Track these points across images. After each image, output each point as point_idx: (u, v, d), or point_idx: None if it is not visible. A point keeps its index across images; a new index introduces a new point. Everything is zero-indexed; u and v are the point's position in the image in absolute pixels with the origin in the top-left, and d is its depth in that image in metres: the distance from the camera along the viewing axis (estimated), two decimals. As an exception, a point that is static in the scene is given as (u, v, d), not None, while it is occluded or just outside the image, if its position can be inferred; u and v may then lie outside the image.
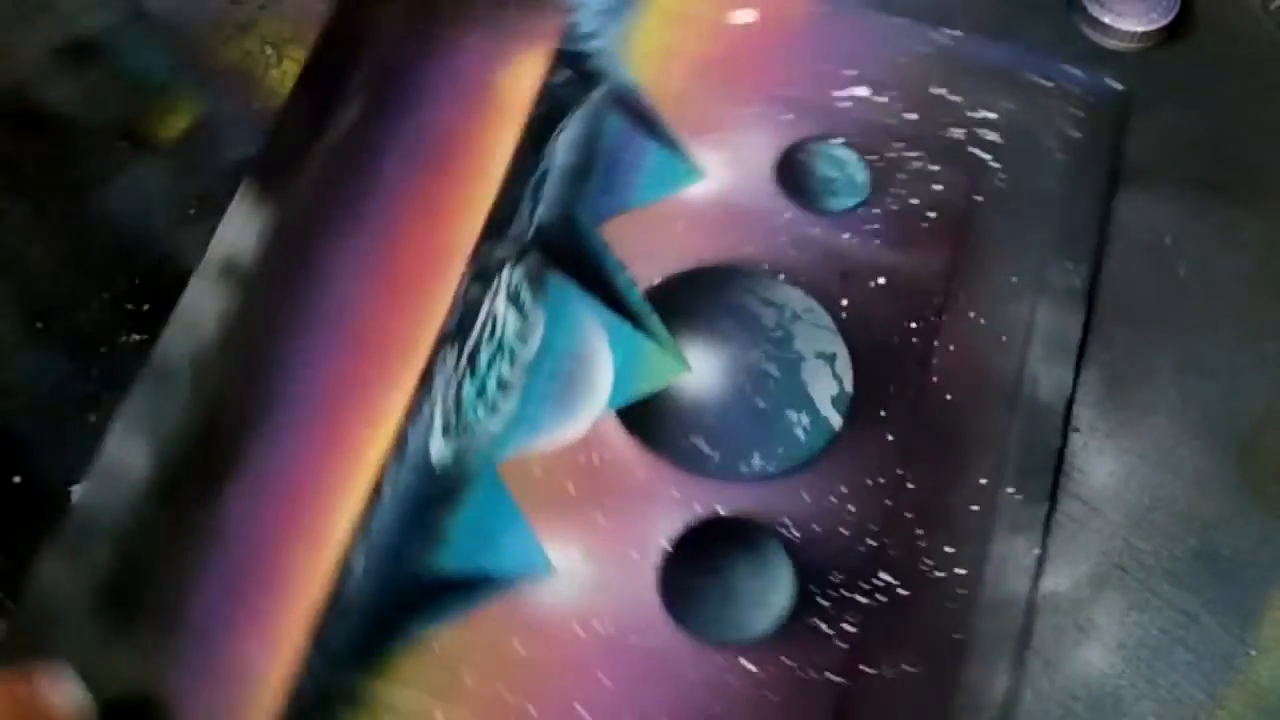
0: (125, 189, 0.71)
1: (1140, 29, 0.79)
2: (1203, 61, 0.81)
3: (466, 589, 0.65)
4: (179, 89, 0.76)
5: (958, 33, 0.79)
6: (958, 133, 0.77)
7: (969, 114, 0.77)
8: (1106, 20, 0.80)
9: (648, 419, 0.69)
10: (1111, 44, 0.80)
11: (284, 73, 0.77)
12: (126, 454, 0.67)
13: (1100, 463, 0.69)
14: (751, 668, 0.63)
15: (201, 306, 0.71)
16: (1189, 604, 0.65)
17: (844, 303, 0.72)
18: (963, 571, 0.66)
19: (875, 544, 0.66)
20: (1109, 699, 0.63)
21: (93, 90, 0.75)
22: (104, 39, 0.77)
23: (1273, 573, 0.66)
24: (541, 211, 0.74)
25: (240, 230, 0.72)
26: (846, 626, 0.64)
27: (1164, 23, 0.80)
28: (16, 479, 0.62)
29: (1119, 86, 0.78)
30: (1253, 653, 0.64)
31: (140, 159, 0.73)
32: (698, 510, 0.67)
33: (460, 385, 0.69)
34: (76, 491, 0.66)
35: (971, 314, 0.72)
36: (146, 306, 0.67)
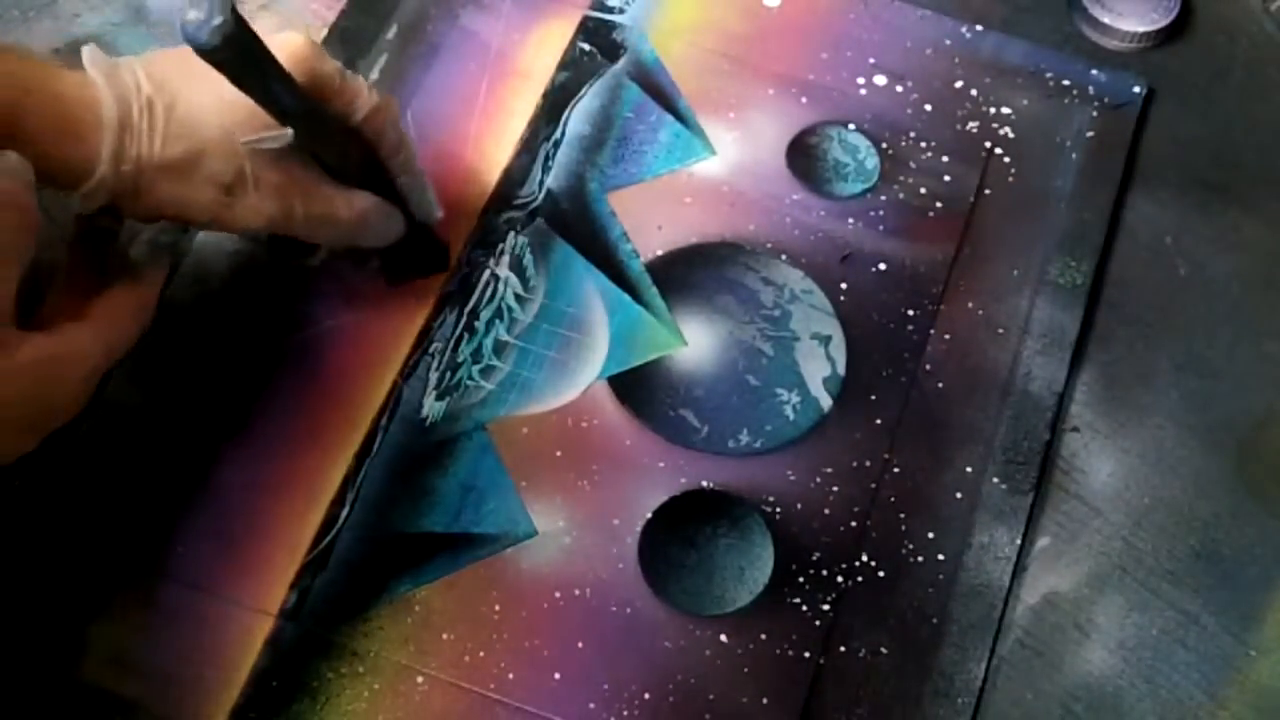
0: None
1: (1140, 29, 0.76)
2: (1203, 62, 0.77)
3: (450, 548, 0.62)
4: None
5: (979, 28, 0.76)
6: (972, 126, 0.73)
7: (986, 108, 0.74)
8: (1107, 20, 0.76)
9: (639, 389, 0.66)
10: (1112, 44, 0.77)
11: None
12: (128, 397, 0.67)
13: (1100, 463, 0.66)
14: (727, 640, 0.61)
15: (210, 256, 0.70)
16: (1189, 604, 0.62)
17: (843, 286, 0.69)
18: (943, 557, 0.62)
19: (857, 525, 0.63)
20: (1109, 699, 0.60)
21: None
22: (104, 39, 0.75)
23: (1273, 573, 0.63)
24: (551, 179, 0.72)
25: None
26: (824, 605, 0.61)
27: (1164, 23, 0.76)
28: (16, 481, 0.62)
29: (1137, 89, 0.74)
30: (1253, 653, 0.61)
31: None
32: (682, 482, 0.64)
33: (457, 345, 0.67)
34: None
35: (970, 305, 0.69)
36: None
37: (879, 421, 0.66)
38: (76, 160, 0.51)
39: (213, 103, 0.53)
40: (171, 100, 0.53)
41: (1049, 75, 0.75)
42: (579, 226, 0.71)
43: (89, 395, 0.53)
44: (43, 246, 0.51)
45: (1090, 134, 0.74)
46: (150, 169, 0.53)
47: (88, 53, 0.52)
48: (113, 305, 0.54)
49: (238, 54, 0.48)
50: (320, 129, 0.56)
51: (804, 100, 0.74)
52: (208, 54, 0.47)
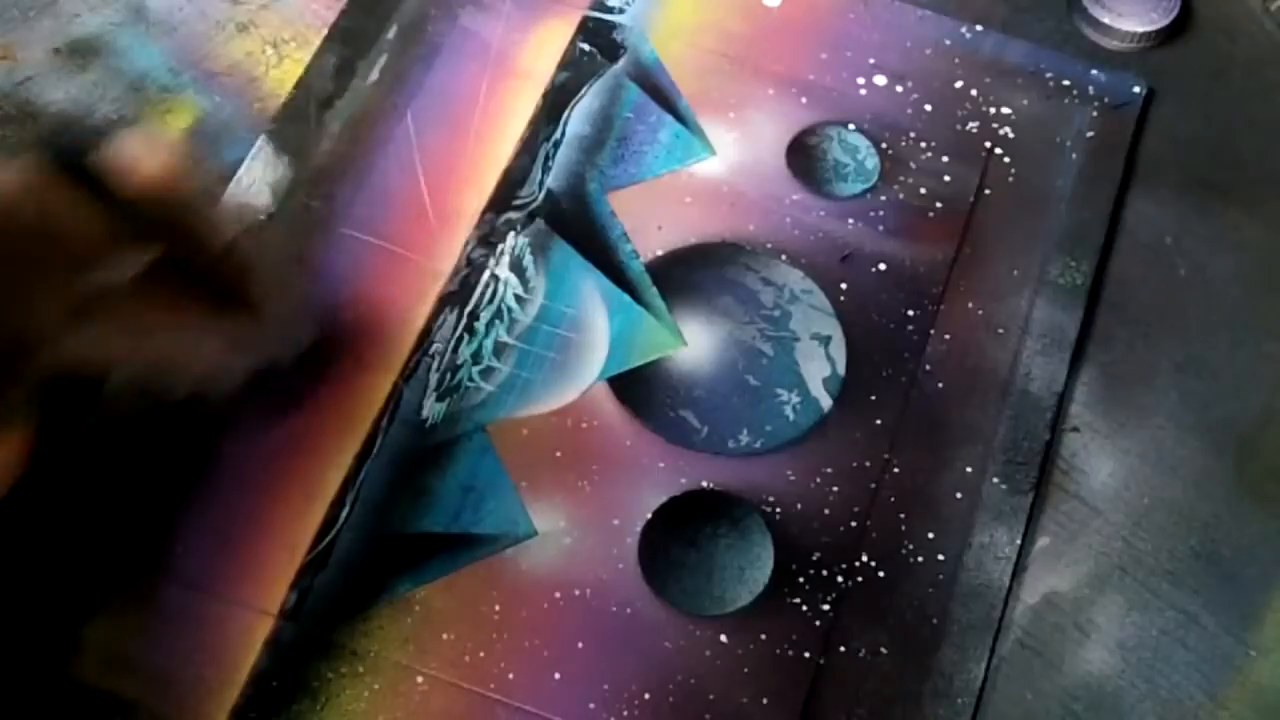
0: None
1: (1140, 29, 0.76)
2: (1203, 62, 0.77)
3: (449, 548, 0.62)
4: (179, 89, 0.73)
5: (979, 28, 0.76)
6: (972, 126, 0.73)
7: (986, 108, 0.74)
8: (1107, 20, 0.76)
9: (639, 390, 0.66)
10: (1112, 44, 0.77)
11: (284, 73, 0.74)
12: (127, 396, 0.67)
13: (1100, 463, 0.66)
14: (727, 640, 0.61)
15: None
16: (1189, 604, 0.62)
17: (843, 286, 0.69)
18: (943, 557, 0.62)
19: (857, 526, 0.63)
20: (1109, 699, 0.60)
21: (92, 90, 0.74)
22: (104, 39, 0.75)
23: (1273, 573, 0.63)
24: (551, 179, 0.72)
25: (252, 183, 0.72)
26: (824, 605, 0.61)
27: (1164, 23, 0.76)
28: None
29: (1137, 89, 0.74)
30: (1253, 653, 0.61)
31: None
32: (682, 482, 0.64)
33: (457, 346, 0.67)
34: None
35: (970, 305, 0.69)
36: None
37: (879, 421, 0.66)
38: None
39: (64, 211, 0.47)
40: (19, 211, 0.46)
41: (1049, 75, 0.75)
42: (579, 227, 0.71)
43: None
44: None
45: (1090, 134, 0.74)
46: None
47: None
48: None
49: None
50: (182, 246, 0.51)
51: (804, 100, 0.74)
52: None
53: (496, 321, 0.68)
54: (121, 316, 0.50)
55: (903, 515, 0.64)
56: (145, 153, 0.48)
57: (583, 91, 0.74)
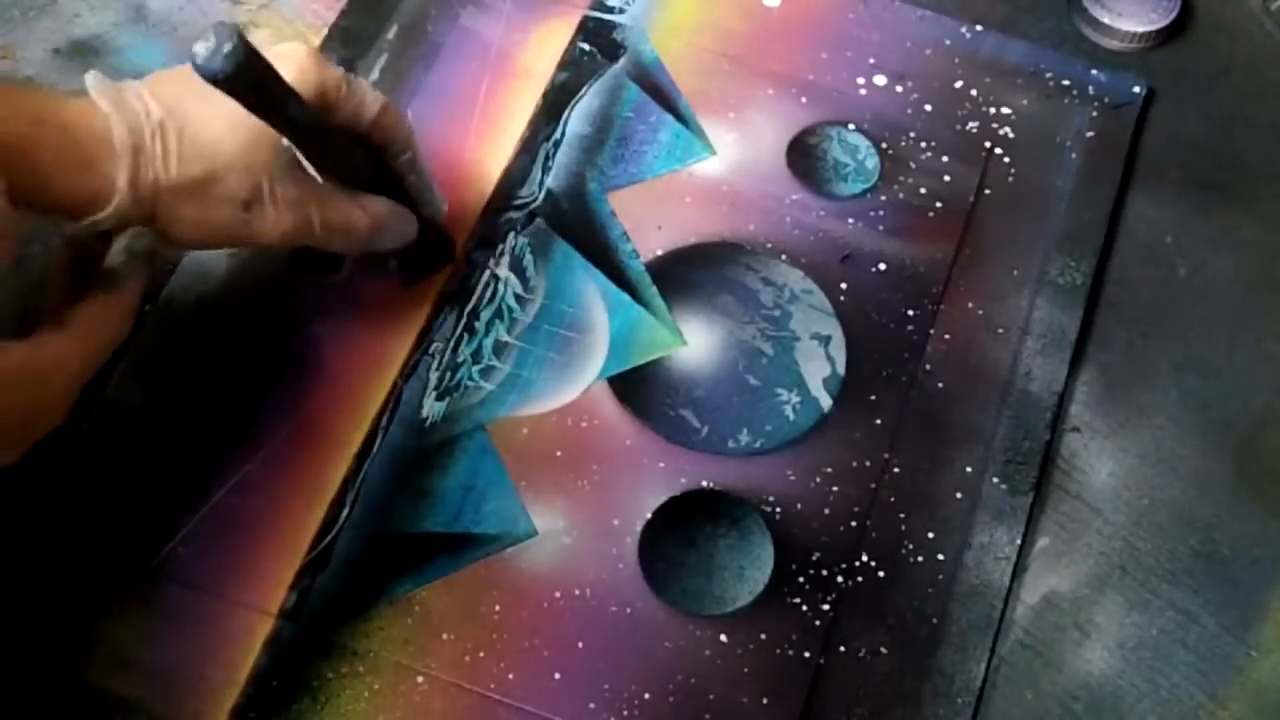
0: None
1: (1140, 29, 0.76)
2: (1203, 62, 0.77)
3: (450, 548, 0.62)
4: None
5: (979, 28, 0.76)
6: (972, 126, 0.73)
7: (986, 108, 0.74)
8: (1107, 20, 0.76)
9: (639, 389, 0.66)
10: (1112, 44, 0.77)
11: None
12: (129, 397, 0.66)
13: (1100, 463, 0.65)
14: (727, 640, 0.60)
15: (209, 255, 0.70)
16: (1189, 604, 0.62)
17: (843, 286, 0.69)
18: (943, 557, 0.62)
19: (857, 526, 0.63)
20: (1109, 699, 0.60)
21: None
22: (104, 39, 0.76)
23: (1273, 573, 0.63)
24: (551, 179, 0.71)
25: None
26: (824, 605, 0.61)
27: (1164, 23, 0.76)
28: (17, 481, 0.62)
29: (1137, 89, 0.74)
30: (1253, 653, 0.61)
31: None
32: (682, 482, 0.64)
33: (457, 346, 0.67)
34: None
35: (970, 304, 0.69)
36: (147, 307, 0.66)
37: (879, 421, 0.66)
38: (89, 189, 0.51)
39: (223, 122, 0.54)
40: (182, 123, 0.53)
41: (1049, 75, 0.75)
42: (579, 227, 0.71)
43: (71, 404, 0.53)
44: (34, 265, 0.51)
45: (1090, 134, 0.74)
46: (167, 192, 0.53)
47: (92, 80, 0.52)
48: (92, 314, 0.54)
49: (247, 79, 0.48)
50: (330, 139, 0.57)
51: (804, 100, 0.74)
52: (219, 83, 0.48)
53: (496, 321, 0.67)
54: (288, 197, 0.57)
55: (903, 515, 0.64)
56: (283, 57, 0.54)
57: (583, 91, 0.74)
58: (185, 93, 0.53)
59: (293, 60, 0.54)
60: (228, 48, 0.47)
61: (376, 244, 0.62)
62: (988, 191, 0.72)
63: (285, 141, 0.55)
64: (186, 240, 0.56)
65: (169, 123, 0.53)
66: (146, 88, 0.53)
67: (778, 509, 0.64)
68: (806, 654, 0.61)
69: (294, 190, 0.56)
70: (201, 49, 0.47)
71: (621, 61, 0.75)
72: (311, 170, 0.57)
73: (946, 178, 0.72)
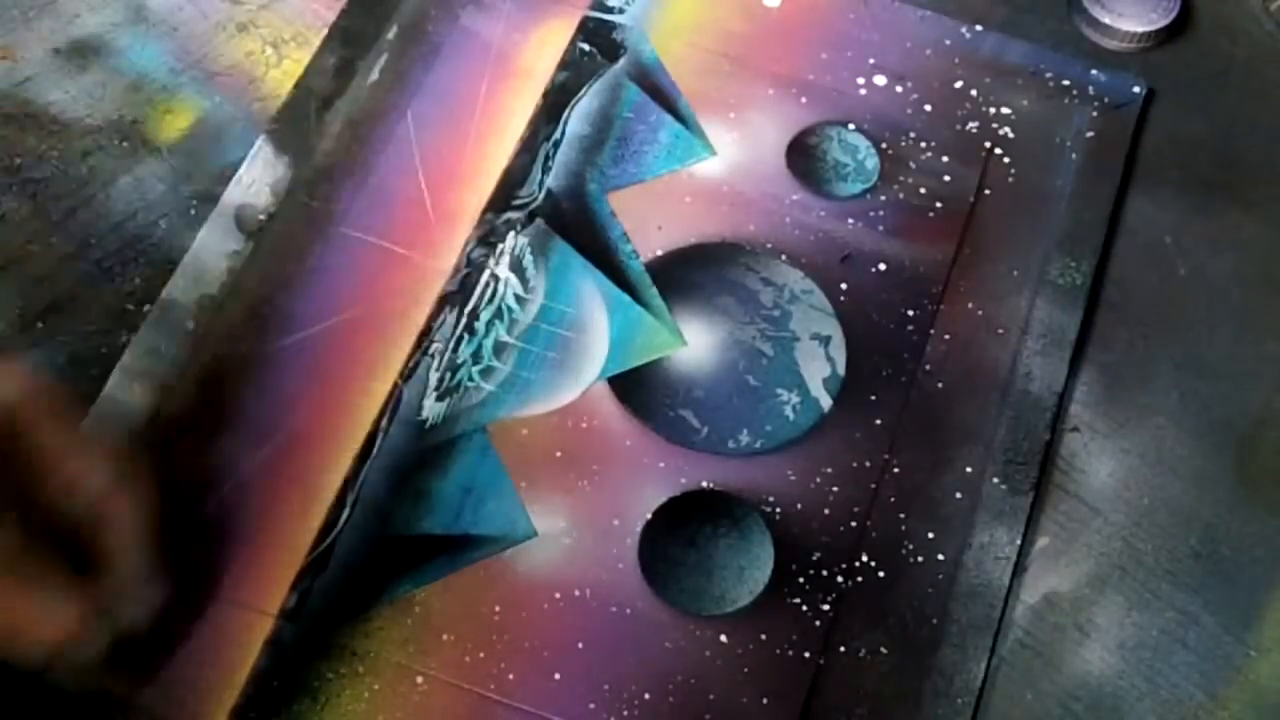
0: (125, 189, 0.71)
1: (1140, 29, 0.76)
2: (1203, 62, 0.77)
3: (449, 549, 0.62)
4: (179, 89, 0.74)
5: (979, 28, 0.76)
6: (972, 126, 0.73)
7: (986, 108, 0.74)
8: (1107, 20, 0.76)
9: (639, 389, 0.66)
10: (1112, 44, 0.77)
11: (284, 73, 0.74)
12: (127, 394, 0.65)
13: (1100, 463, 0.66)
14: (727, 640, 0.61)
15: (209, 255, 0.70)
16: (1189, 604, 0.62)
17: (843, 286, 0.69)
18: (943, 557, 0.62)
19: (857, 526, 0.63)
20: (1109, 699, 0.60)
21: (92, 90, 0.74)
22: (104, 39, 0.76)
23: (1273, 573, 0.63)
24: (551, 179, 0.71)
25: (252, 183, 0.72)
26: (824, 605, 0.61)
27: (1164, 23, 0.76)
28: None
29: (1137, 89, 0.74)
30: (1253, 653, 0.61)
31: (140, 159, 0.72)
32: (682, 482, 0.64)
33: (457, 346, 0.67)
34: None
35: (970, 305, 0.69)
36: (147, 307, 0.66)
37: (879, 421, 0.66)
38: None
39: None
40: None
41: (1049, 75, 0.75)
42: (579, 227, 0.71)
43: None
44: None
45: (1090, 134, 0.74)
46: None
47: None
48: None
49: None
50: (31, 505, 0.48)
51: (804, 100, 0.74)
52: None
53: (496, 321, 0.67)
54: None
55: (903, 515, 0.64)
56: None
57: (583, 91, 0.74)
58: None
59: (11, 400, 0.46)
60: None
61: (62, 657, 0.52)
62: (988, 191, 0.72)
63: None
64: None
65: None
66: None
67: (778, 509, 0.64)
68: (806, 654, 0.61)
69: None
70: None
71: (621, 61, 0.75)
72: None
73: (946, 178, 0.72)
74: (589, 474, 0.64)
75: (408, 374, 0.66)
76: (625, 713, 0.59)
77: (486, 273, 0.69)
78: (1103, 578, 0.63)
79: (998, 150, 0.73)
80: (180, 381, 0.66)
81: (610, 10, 0.77)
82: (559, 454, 0.64)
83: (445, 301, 0.68)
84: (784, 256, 0.70)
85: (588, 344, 0.67)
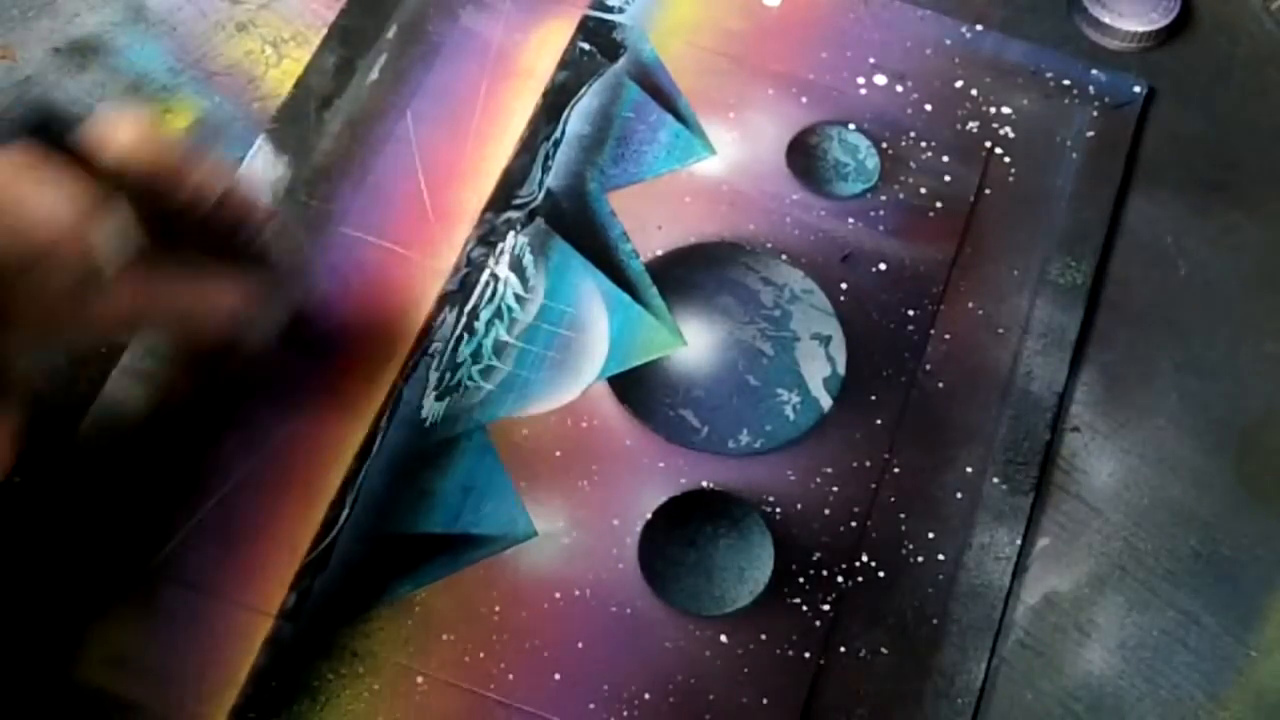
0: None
1: (1140, 29, 0.76)
2: (1203, 62, 0.77)
3: (449, 549, 0.62)
4: (178, 89, 0.74)
5: (979, 28, 0.76)
6: (972, 126, 0.73)
7: (986, 108, 0.74)
8: (1107, 20, 0.76)
9: (639, 389, 0.66)
10: (1112, 44, 0.77)
11: (284, 72, 0.74)
12: (127, 394, 0.65)
13: (1100, 463, 0.65)
14: (727, 640, 0.60)
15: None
16: (1189, 604, 0.62)
17: (843, 286, 0.69)
18: (943, 558, 0.62)
19: (857, 526, 0.63)
20: (1109, 699, 0.60)
21: (92, 90, 0.73)
22: (104, 39, 0.75)
23: (1273, 573, 0.63)
24: (551, 178, 0.71)
25: (251, 185, 0.72)
26: (824, 605, 0.61)
27: (1164, 23, 0.76)
28: (16, 478, 0.62)
29: (1137, 89, 0.74)
30: (1253, 653, 0.61)
31: None
32: (682, 482, 0.64)
33: (457, 346, 0.67)
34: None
35: (970, 304, 0.69)
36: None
37: (879, 421, 0.66)
38: None
39: (50, 197, 0.48)
40: (6, 200, 0.47)
41: (1049, 75, 0.75)
42: (579, 226, 0.71)
43: None
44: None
45: (1090, 134, 0.74)
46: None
47: None
48: None
49: (53, 147, 0.46)
50: (173, 213, 0.52)
51: (804, 100, 0.74)
52: (36, 148, 0.46)
53: (496, 320, 0.67)
54: (131, 282, 0.51)
55: (903, 515, 0.64)
56: (117, 126, 0.50)
57: (583, 91, 0.74)
58: (11, 168, 0.48)
59: (131, 128, 0.50)
60: (36, 118, 0.45)
61: (246, 331, 0.58)
62: (988, 191, 0.72)
63: (126, 217, 0.50)
64: (16, 338, 0.49)
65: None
66: None
67: (778, 509, 0.64)
68: (806, 654, 0.61)
69: (135, 273, 0.51)
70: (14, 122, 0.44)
71: (621, 61, 0.75)
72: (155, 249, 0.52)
73: (946, 178, 0.72)
74: (589, 474, 0.64)
75: (408, 373, 0.66)
76: (625, 713, 0.59)
77: (486, 272, 0.69)
78: (1103, 578, 0.63)
79: (998, 150, 0.73)
80: (180, 381, 0.66)
81: (610, 10, 0.77)
82: (559, 454, 0.64)
83: (445, 301, 0.68)
84: (784, 256, 0.70)
85: (588, 343, 0.67)
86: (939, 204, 0.71)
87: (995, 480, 0.64)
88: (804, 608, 0.62)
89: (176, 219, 0.53)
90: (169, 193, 0.52)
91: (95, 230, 0.49)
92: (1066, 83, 0.75)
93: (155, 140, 0.51)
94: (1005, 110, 0.74)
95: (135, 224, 0.50)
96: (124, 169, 0.50)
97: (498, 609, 0.61)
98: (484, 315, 0.68)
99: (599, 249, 0.70)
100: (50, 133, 0.47)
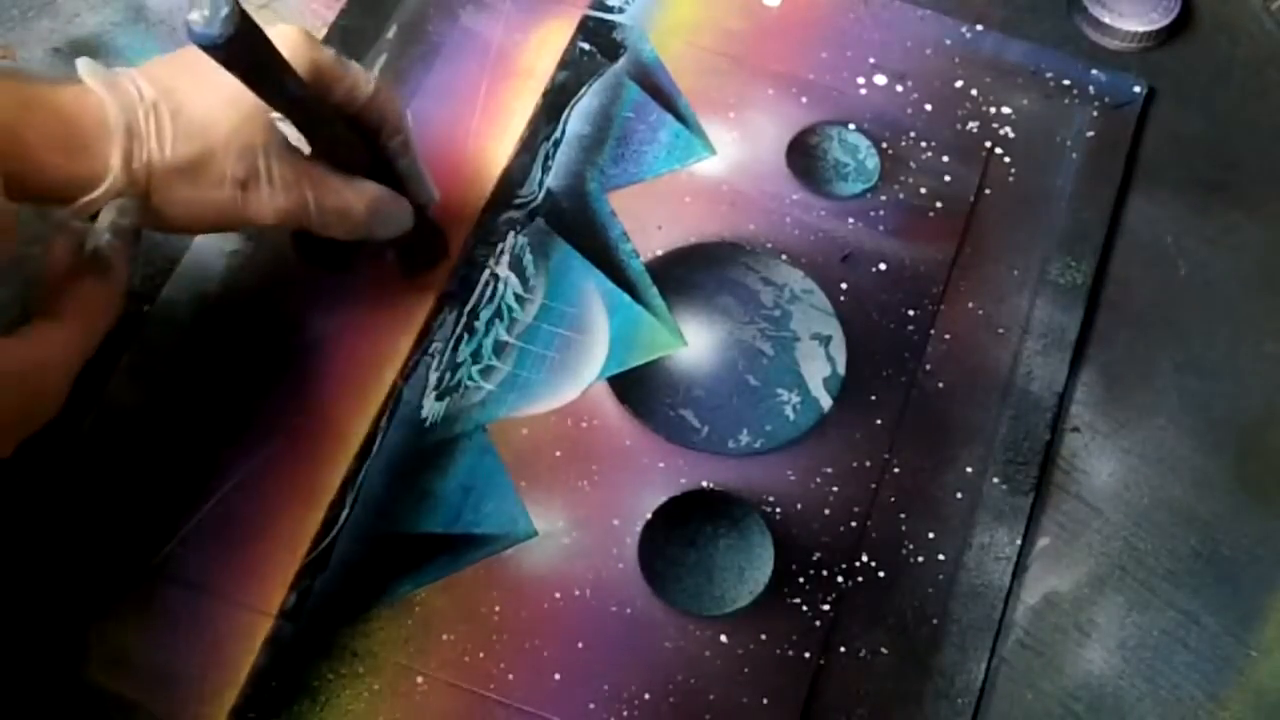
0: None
1: (1140, 29, 0.76)
2: (1203, 62, 0.77)
3: (450, 549, 0.62)
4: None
5: (979, 28, 0.76)
6: (972, 126, 0.73)
7: (986, 108, 0.74)
8: (1107, 20, 0.76)
9: (639, 389, 0.66)
10: (1112, 44, 0.77)
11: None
12: (127, 394, 0.65)
13: (1100, 463, 0.65)
14: (727, 640, 0.60)
15: (209, 255, 0.68)
16: (1189, 604, 0.62)
17: (843, 286, 0.69)
18: (943, 557, 0.62)
19: (857, 525, 0.63)
20: (1109, 699, 0.60)
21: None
22: (103, 39, 0.75)
23: (1273, 573, 0.63)
24: (551, 178, 0.71)
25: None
26: (824, 605, 0.61)
27: (1165, 23, 0.76)
28: (16, 479, 0.62)
29: (1137, 89, 0.74)
30: (1253, 653, 0.61)
31: None
32: (682, 482, 0.64)
33: (457, 346, 0.66)
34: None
35: (970, 304, 0.69)
36: (146, 307, 0.67)
37: (879, 421, 0.66)
38: (83, 171, 0.51)
39: (218, 101, 0.54)
40: (176, 103, 0.53)
41: (1049, 75, 0.75)
42: (579, 226, 0.71)
43: (67, 394, 0.52)
44: (35, 265, 0.51)
45: (1090, 134, 0.74)
46: (161, 172, 0.53)
47: (83, 65, 0.52)
48: (83, 300, 0.54)
49: (243, 48, 0.48)
50: (324, 119, 0.56)
51: (804, 100, 0.74)
52: (214, 50, 0.47)
53: (496, 320, 0.67)
54: (286, 177, 0.57)
55: (903, 515, 0.64)
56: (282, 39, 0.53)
57: (583, 91, 0.74)
58: (180, 74, 0.53)
59: (288, 39, 0.54)
60: (224, 13, 0.46)
61: (373, 229, 0.61)
62: (988, 191, 0.72)
63: (280, 121, 0.55)
64: (181, 223, 0.56)
65: (163, 103, 0.53)
66: (141, 72, 0.53)
67: (778, 509, 0.64)
68: (806, 654, 0.61)
69: (289, 171, 0.56)
70: (197, 15, 0.46)
71: (621, 61, 0.75)
72: (307, 151, 0.58)
73: (946, 178, 0.72)
74: (589, 474, 0.64)
75: (408, 373, 0.66)
76: (625, 712, 0.59)
77: (486, 272, 0.69)
78: (1103, 578, 0.63)
79: (998, 150, 0.73)
80: (181, 381, 0.66)
81: (610, 10, 0.77)
82: (559, 454, 0.64)
83: (445, 301, 0.68)
84: (784, 256, 0.70)
85: (588, 344, 0.67)
86: (939, 204, 0.71)
87: (995, 480, 0.64)
88: (804, 608, 0.62)
89: (326, 121, 0.57)
90: (322, 95, 0.56)
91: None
92: (1066, 83, 0.75)
93: (310, 47, 0.55)
94: (1005, 110, 0.74)
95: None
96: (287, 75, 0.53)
97: (498, 609, 0.61)
98: (484, 315, 0.68)
99: (599, 249, 0.70)
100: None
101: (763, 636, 0.61)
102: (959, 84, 0.75)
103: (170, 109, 0.53)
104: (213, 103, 0.53)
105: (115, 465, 0.64)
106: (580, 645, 0.61)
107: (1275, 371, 0.68)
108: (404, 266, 0.67)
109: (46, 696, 0.59)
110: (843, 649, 0.61)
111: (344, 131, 0.58)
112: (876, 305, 0.69)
